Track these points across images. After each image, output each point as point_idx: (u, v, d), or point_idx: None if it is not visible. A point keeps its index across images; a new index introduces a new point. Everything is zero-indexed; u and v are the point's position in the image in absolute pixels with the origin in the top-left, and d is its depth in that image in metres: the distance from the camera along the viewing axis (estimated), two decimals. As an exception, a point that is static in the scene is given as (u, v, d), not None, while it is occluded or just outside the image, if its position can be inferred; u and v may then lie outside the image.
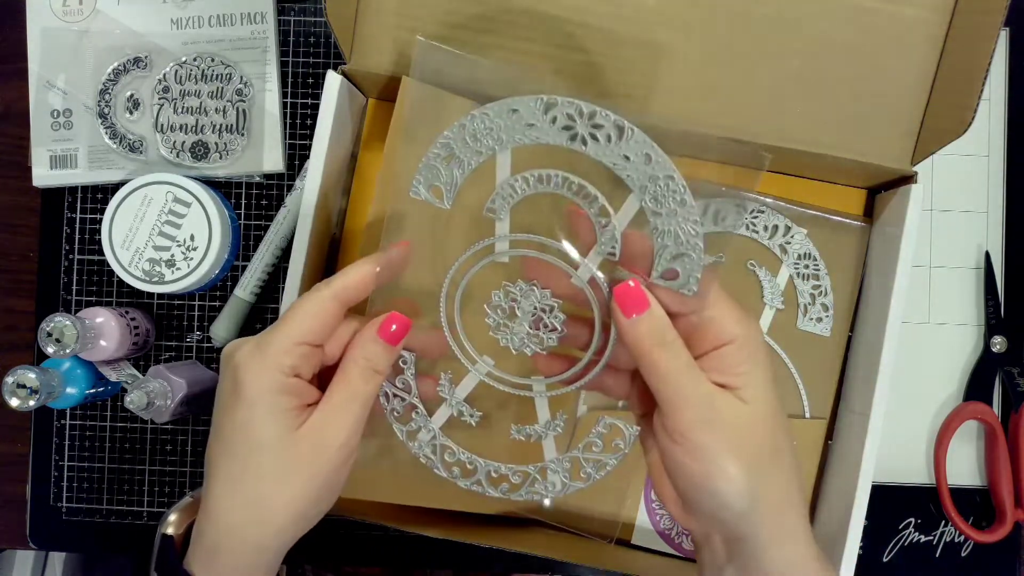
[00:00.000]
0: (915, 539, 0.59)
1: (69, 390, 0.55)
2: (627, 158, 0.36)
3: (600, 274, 0.38)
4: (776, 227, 0.55)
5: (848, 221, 0.54)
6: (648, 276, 0.37)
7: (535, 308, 0.40)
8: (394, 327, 0.40)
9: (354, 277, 0.40)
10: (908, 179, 0.51)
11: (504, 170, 0.39)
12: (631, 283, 0.37)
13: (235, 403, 0.37)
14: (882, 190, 0.54)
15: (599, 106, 0.36)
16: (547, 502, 0.52)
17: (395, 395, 0.43)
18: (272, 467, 0.37)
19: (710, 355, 0.37)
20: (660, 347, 0.36)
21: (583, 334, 0.40)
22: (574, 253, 0.39)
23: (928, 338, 0.60)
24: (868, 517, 0.49)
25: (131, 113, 0.59)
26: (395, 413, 0.43)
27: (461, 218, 0.41)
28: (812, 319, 0.54)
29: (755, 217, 0.54)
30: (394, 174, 0.44)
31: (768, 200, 0.55)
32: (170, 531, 0.42)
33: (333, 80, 0.49)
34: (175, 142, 0.59)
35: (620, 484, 0.53)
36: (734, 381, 0.36)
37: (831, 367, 0.55)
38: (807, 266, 0.54)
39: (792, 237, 0.55)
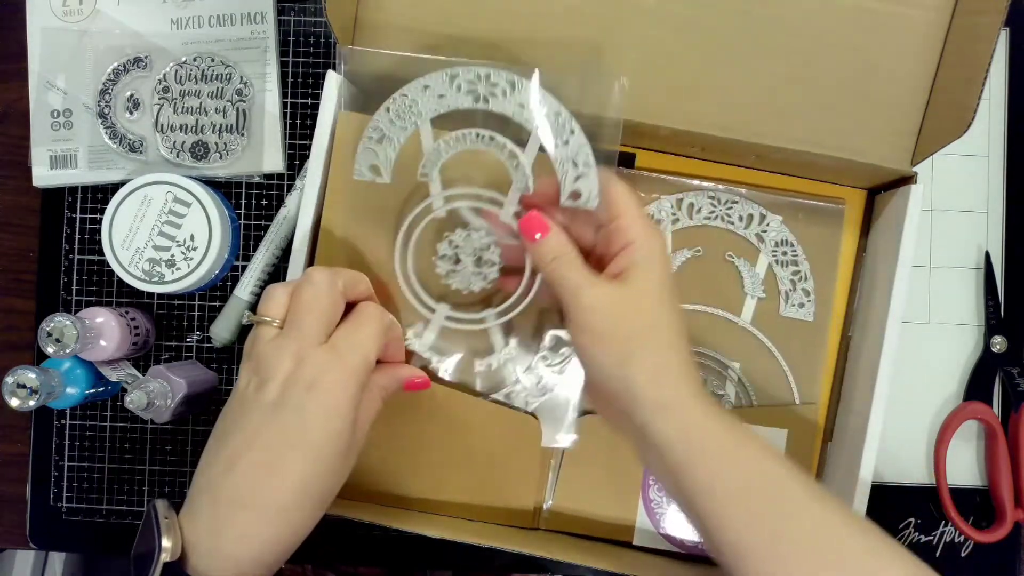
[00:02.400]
0: (915, 539, 0.59)
1: (69, 390, 0.55)
2: (522, 106, 0.45)
3: (521, 208, 0.47)
4: (751, 216, 0.55)
5: (822, 204, 0.55)
6: (559, 202, 0.46)
7: (475, 249, 0.48)
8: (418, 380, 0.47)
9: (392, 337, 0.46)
10: (908, 179, 0.51)
11: (428, 138, 0.47)
12: (532, 213, 0.45)
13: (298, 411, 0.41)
14: (882, 191, 0.54)
15: (492, 67, 0.45)
16: (547, 504, 0.53)
17: None
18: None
19: (615, 257, 0.43)
20: (556, 260, 0.43)
21: (519, 262, 0.48)
22: (498, 196, 0.47)
23: (928, 338, 0.60)
24: (868, 517, 0.49)
25: (131, 113, 0.59)
26: None
27: (400, 188, 0.49)
28: (794, 305, 0.54)
29: (730, 208, 0.55)
30: (346, 160, 0.50)
31: (742, 190, 0.55)
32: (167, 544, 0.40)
33: (333, 80, 0.49)
34: (175, 142, 0.59)
35: (624, 488, 0.53)
36: (624, 273, 0.42)
37: (817, 351, 0.55)
38: (785, 253, 0.55)
39: (768, 225, 0.55)
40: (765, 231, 0.55)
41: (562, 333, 0.50)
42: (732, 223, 0.54)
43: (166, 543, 0.38)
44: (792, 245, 0.54)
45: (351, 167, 0.49)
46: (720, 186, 0.55)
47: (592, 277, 0.42)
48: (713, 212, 0.54)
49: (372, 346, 0.43)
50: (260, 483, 0.39)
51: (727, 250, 0.55)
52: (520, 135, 0.46)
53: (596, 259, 0.45)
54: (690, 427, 0.40)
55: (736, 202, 0.55)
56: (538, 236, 0.44)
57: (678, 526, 0.53)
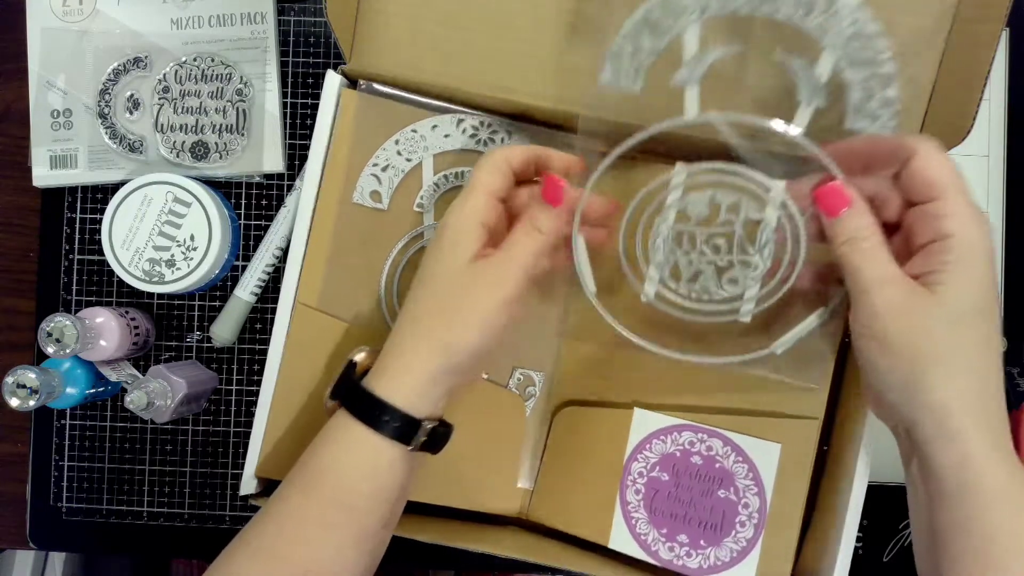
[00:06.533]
0: (915, 539, 0.59)
1: (69, 390, 0.55)
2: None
3: None
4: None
5: None
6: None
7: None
8: (560, 187, 0.43)
9: (528, 148, 0.45)
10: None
11: (429, 172, 0.51)
12: (835, 183, 0.39)
13: (436, 237, 0.43)
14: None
15: (491, 118, 0.51)
16: (524, 483, 0.52)
17: None
18: (440, 293, 0.42)
19: (924, 249, 0.37)
20: (851, 243, 0.38)
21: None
22: None
23: (928, 338, 0.60)
24: (868, 517, 0.48)
25: (131, 113, 0.59)
26: None
27: (395, 216, 0.51)
28: (867, 117, 0.41)
29: None
30: (339, 181, 0.51)
31: None
32: (358, 358, 0.45)
33: (333, 80, 0.49)
34: (175, 142, 0.59)
35: (604, 486, 0.52)
36: (933, 277, 0.36)
37: None
38: (861, 48, 0.41)
39: (837, 10, 0.40)
40: (833, 18, 0.41)
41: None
42: (784, 8, 0.42)
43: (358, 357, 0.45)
44: (871, 39, 0.41)
45: (352, 148, 0.50)
46: None
47: (893, 272, 0.37)
48: None
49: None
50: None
51: (775, 46, 0.42)
52: None
53: (897, 243, 0.39)
54: (970, 461, 0.36)
55: None
56: (844, 211, 0.38)
57: (651, 534, 0.51)
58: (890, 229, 0.39)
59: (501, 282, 0.41)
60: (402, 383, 0.42)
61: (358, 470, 0.42)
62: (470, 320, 0.41)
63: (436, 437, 0.43)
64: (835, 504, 0.51)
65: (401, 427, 0.41)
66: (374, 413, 0.41)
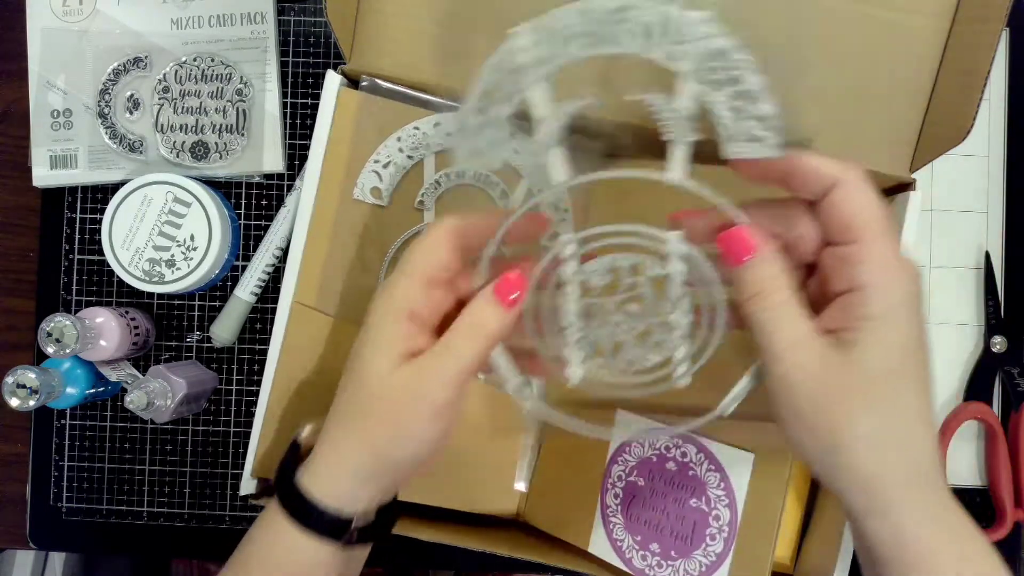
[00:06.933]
0: (915, 539, 0.59)
1: (69, 390, 0.55)
2: (517, 151, 0.49)
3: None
4: (650, 25, 0.34)
5: None
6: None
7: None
8: (516, 287, 0.37)
9: (475, 219, 0.38)
10: (907, 186, 0.50)
11: (430, 170, 0.51)
12: (739, 228, 0.34)
13: (362, 326, 0.38)
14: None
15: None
16: (521, 485, 0.52)
17: None
18: (364, 399, 0.37)
19: (839, 299, 0.33)
20: (759, 297, 0.34)
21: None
22: None
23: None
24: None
25: (131, 113, 0.59)
26: None
27: (395, 213, 0.51)
28: (744, 140, 0.35)
29: (621, 21, 0.34)
30: (339, 178, 0.51)
31: None
32: (303, 434, 0.42)
33: (333, 80, 0.49)
34: (175, 142, 0.59)
35: (588, 490, 0.52)
36: (849, 335, 0.32)
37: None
38: (717, 68, 0.35)
39: (684, 30, 0.34)
40: (677, 40, 0.34)
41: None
42: (623, 41, 0.35)
43: (304, 433, 0.41)
44: (725, 53, 0.35)
45: (352, 146, 0.50)
46: None
47: (805, 334, 0.33)
48: (594, 35, 0.35)
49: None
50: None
51: (631, 86, 0.36)
52: (515, 178, 0.51)
53: (814, 286, 0.35)
54: (905, 533, 0.33)
55: (626, 8, 0.34)
56: (748, 260, 0.33)
57: (627, 540, 0.49)
58: (810, 268, 0.35)
59: (430, 392, 0.36)
60: (330, 480, 0.38)
61: (281, 567, 0.39)
62: (398, 433, 0.37)
63: (375, 529, 0.41)
64: (835, 504, 0.51)
65: (327, 525, 0.38)
66: (300, 508, 0.38)
